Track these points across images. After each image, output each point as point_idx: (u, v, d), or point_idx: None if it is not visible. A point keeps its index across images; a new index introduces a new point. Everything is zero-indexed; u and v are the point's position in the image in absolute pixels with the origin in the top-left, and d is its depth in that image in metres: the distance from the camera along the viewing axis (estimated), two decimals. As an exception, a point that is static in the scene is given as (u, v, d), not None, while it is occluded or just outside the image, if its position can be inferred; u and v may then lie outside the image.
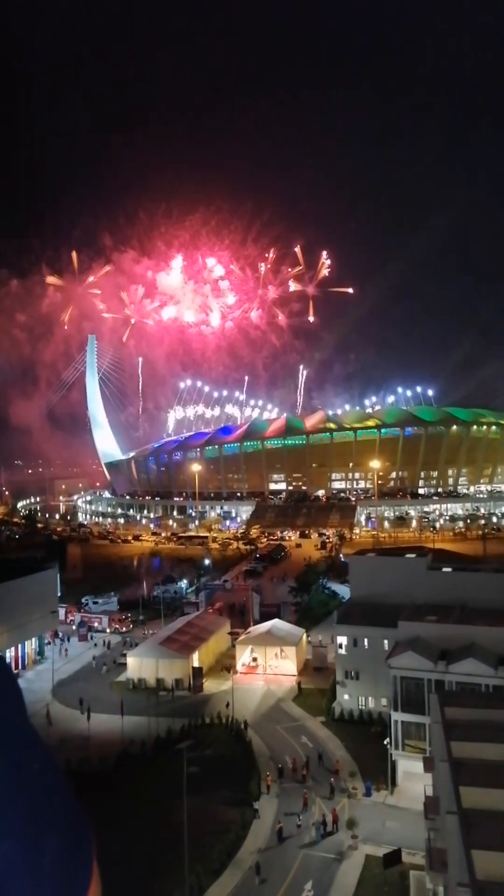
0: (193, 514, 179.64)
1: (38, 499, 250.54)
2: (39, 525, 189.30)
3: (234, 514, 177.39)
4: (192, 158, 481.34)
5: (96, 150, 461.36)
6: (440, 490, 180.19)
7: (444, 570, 62.39)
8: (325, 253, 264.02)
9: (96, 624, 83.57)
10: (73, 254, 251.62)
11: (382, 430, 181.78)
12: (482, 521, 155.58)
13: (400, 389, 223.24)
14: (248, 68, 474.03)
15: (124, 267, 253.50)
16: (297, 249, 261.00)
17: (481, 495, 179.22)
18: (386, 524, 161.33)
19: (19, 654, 71.09)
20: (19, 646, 70.90)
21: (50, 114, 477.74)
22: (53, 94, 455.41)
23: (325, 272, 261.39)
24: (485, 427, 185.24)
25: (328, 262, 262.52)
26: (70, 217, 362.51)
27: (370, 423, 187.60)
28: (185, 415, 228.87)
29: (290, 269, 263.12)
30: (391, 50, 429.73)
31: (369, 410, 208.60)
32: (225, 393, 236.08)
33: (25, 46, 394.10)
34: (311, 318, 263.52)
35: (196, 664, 64.18)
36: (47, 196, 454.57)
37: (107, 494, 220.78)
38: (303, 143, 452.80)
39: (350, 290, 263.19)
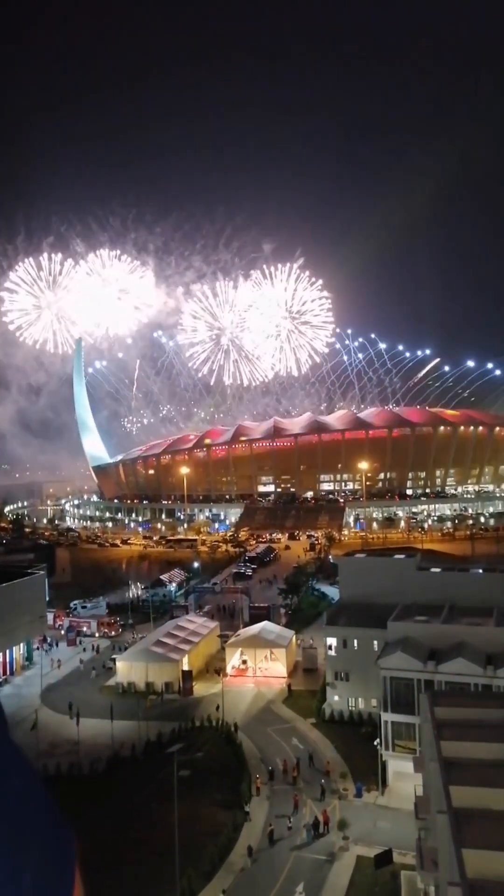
0: (182, 517, 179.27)
1: (25, 503, 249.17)
2: (27, 529, 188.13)
3: (222, 517, 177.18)
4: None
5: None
6: (428, 491, 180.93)
7: (433, 570, 62.63)
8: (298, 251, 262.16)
9: (85, 628, 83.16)
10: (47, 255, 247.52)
11: (370, 432, 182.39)
12: (470, 522, 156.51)
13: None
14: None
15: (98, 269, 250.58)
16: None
17: (469, 496, 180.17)
18: (374, 525, 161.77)
19: (7, 660, 70.59)
20: (7, 651, 70.40)
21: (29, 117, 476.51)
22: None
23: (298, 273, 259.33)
24: (472, 428, 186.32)
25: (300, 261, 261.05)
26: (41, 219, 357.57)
27: (357, 424, 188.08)
28: (166, 418, 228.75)
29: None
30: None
31: (357, 412, 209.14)
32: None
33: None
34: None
35: (186, 667, 64.03)
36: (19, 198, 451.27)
37: (95, 498, 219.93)
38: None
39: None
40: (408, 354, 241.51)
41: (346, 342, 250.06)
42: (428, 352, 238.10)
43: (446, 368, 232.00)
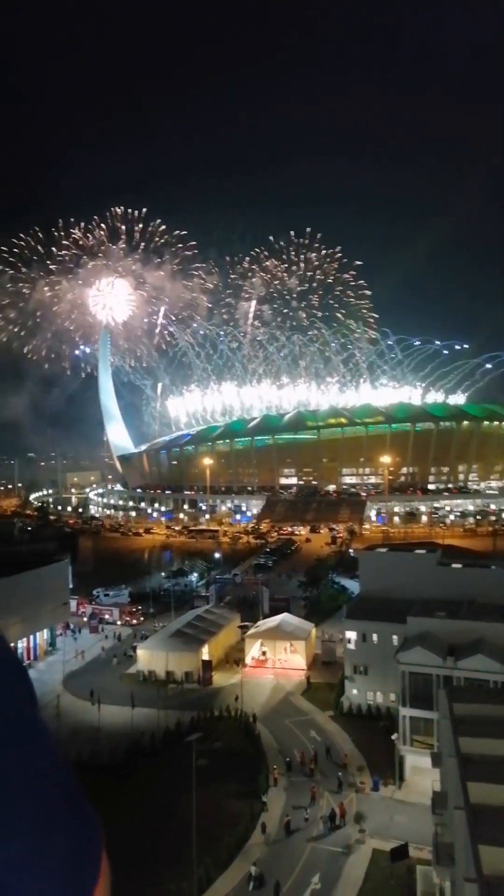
0: (204, 507, 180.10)
1: (50, 491, 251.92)
2: (52, 517, 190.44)
3: (244, 509, 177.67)
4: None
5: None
6: (450, 486, 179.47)
7: (454, 566, 62.27)
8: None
9: (107, 616, 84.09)
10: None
11: (393, 426, 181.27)
12: (492, 518, 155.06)
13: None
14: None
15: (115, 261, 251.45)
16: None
17: (492, 491, 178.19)
18: (396, 520, 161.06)
19: (31, 645, 71.71)
20: (31, 637, 71.50)
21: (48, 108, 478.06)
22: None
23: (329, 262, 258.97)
24: (496, 423, 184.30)
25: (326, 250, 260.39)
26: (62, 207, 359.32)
27: (381, 418, 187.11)
28: (194, 407, 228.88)
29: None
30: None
31: (381, 406, 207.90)
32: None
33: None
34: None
35: (206, 657, 64.52)
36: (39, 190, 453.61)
37: (118, 487, 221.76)
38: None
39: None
40: (436, 345, 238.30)
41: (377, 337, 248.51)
42: (466, 346, 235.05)
43: (473, 362, 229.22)
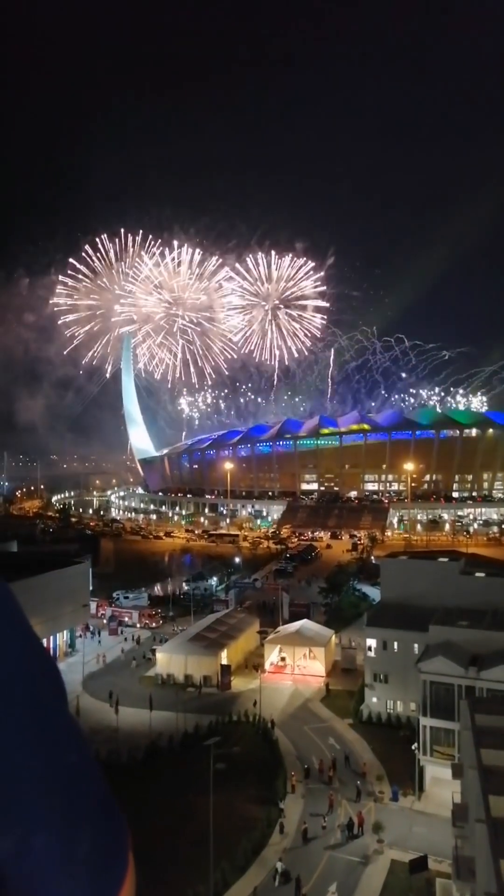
0: (225, 512, 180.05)
1: (72, 493, 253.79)
2: (73, 519, 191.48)
3: (265, 513, 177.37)
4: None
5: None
6: (475, 494, 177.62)
7: (477, 574, 61.52)
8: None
9: (127, 619, 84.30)
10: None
11: (417, 433, 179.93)
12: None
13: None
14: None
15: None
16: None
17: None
18: (418, 527, 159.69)
19: (51, 646, 72.07)
20: (51, 638, 71.87)
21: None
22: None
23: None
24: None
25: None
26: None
27: (404, 424, 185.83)
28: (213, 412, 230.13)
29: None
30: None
31: (404, 412, 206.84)
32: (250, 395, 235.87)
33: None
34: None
35: (224, 662, 64.37)
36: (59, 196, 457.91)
37: (140, 491, 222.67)
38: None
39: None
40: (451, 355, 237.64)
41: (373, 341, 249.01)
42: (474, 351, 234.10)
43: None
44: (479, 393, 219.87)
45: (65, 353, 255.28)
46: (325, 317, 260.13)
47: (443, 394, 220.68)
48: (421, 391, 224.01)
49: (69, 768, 1.54)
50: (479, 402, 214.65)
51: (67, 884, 1.40)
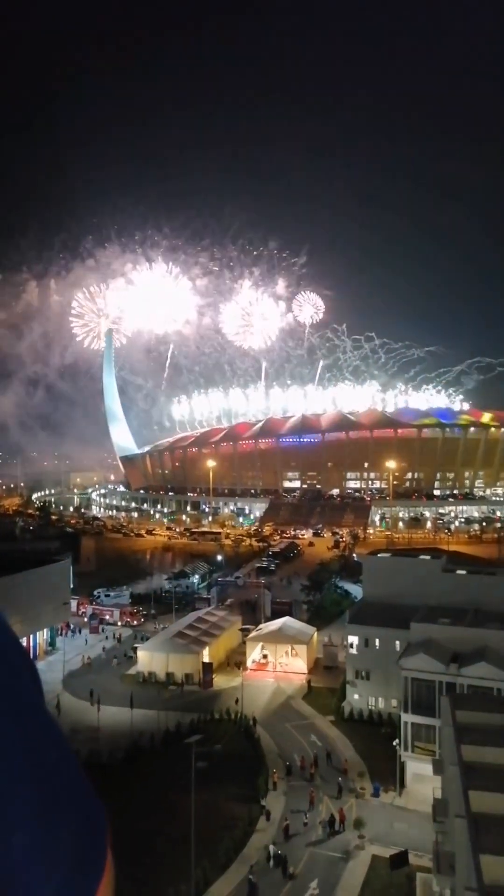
0: (207, 509, 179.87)
1: (52, 491, 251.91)
2: (54, 517, 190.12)
3: (247, 511, 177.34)
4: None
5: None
6: (456, 492, 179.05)
7: (459, 572, 61.94)
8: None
9: (108, 617, 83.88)
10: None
11: (398, 430, 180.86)
12: (498, 524, 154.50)
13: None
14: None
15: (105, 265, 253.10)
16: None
17: (497, 498, 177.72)
18: (400, 525, 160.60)
19: (31, 645, 71.49)
20: (31, 636, 71.29)
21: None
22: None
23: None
24: (503, 429, 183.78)
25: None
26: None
27: (386, 422, 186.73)
28: (195, 408, 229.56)
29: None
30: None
31: (386, 410, 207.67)
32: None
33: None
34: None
35: (206, 659, 64.25)
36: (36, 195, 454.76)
37: (121, 488, 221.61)
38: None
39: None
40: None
41: (342, 337, 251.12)
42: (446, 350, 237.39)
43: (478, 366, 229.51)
44: (450, 390, 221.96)
45: (39, 349, 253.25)
46: (298, 315, 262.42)
47: (411, 391, 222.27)
48: (390, 389, 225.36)
49: (47, 764, 1.51)
50: (447, 400, 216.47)
51: (44, 879, 1.40)
